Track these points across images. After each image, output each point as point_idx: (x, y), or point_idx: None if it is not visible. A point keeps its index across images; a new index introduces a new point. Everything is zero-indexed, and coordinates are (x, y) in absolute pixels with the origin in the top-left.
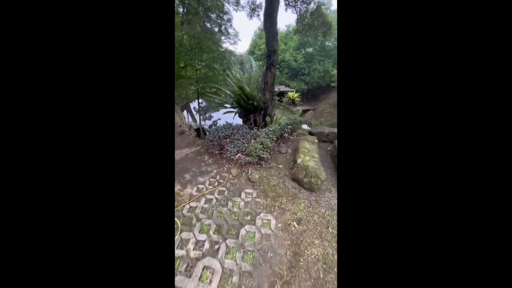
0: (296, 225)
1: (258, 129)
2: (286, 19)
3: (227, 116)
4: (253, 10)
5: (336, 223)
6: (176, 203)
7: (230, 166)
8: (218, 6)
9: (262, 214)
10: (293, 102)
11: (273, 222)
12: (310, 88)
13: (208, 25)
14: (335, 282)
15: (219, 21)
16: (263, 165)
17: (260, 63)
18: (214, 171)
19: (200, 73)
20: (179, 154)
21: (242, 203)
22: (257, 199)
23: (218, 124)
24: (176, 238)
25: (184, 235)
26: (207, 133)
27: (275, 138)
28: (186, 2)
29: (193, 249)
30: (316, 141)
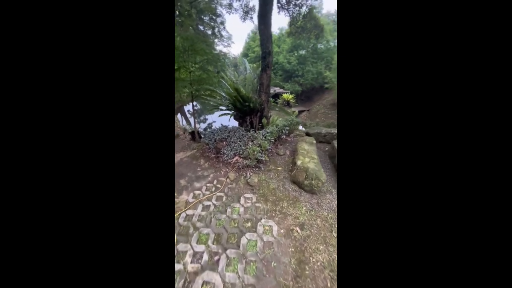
0: (299, 231)
1: (255, 131)
2: (279, 22)
3: (222, 119)
4: (246, 13)
5: None
6: None
7: (227, 170)
8: (210, 8)
9: (263, 220)
10: (288, 103)
11: (275, 228)
12: (304, 89)
13: (201, 27)
14: None
15: (212, 23)
16: (262, 168)
17: (254, 65)
18: (211, 175)
19: (194, 75)
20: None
21: (241, 209)
22: (257, 204)
23: (213, 127)
24: None
25: (181, 246)
26: (202, 136)
27: (273, 140)
28: (179, 4)
29: (191, 262)
30: (314, 142)
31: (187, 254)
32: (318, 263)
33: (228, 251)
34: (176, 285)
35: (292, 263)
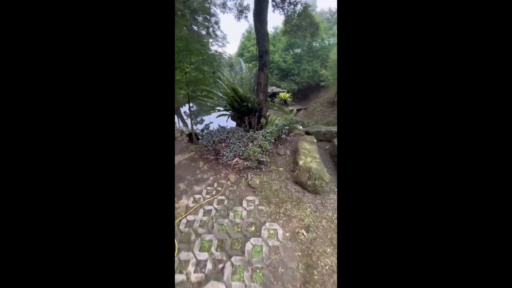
0: (305, 233)
1: (255, 131)
2: (273, 21)
3: (219, 120)
4: (240, 12)
5: None
6: None
7: (227, 171)
8: (204, 8)
9: (267, 224)
10: (285, 102)
11: (280, 231)
12: (301, 88)
13: (195, 28)
14: None
15: (206, 23)
16: (263, 169)
17: (250, 64)
18: (211, 178)
19: (189, 76)
20: None
21: (244, 213)
22: (260, 207)
23: (210, 128)
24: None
25: (183, 255)
26: (200, 138)
27: (273, 140)
28: None
29: (194, 272)
30: (315, 140)
31: (190, 263)
32: (327, 267)
33: (232, 259)
34: None
35: (299, 268)
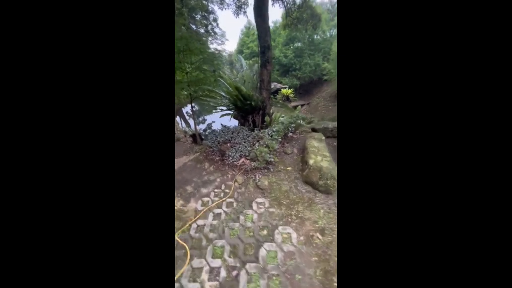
0: (319, 237)
1: (260, 130)
2: (272, 15)
3: (222, 119)
4: (239, 8)
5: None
6: (181, 222)
7: (234, 172)
8: (202, 5)
9: (280, 227)
10: (287, 98)
11: (293, 235)
12: (302, 83)
13: (194, 26)
14: None
15: (205, 21)
16: (271, 169)
17: (250, 61)
18: (218, 180)
19: (191, 76)
20: (177, 163)
21: (255, 216)
22: (271, 209)
23: (213, 128)
24: (186, 268)
25: (195, 262)
26: (203, 138)
27: (280, 139)
28: None
29: (208, 280)
30: (323, 138)
31: (203, 270)
32: None
33: (247, 266)
34: None
35: (317, 274)
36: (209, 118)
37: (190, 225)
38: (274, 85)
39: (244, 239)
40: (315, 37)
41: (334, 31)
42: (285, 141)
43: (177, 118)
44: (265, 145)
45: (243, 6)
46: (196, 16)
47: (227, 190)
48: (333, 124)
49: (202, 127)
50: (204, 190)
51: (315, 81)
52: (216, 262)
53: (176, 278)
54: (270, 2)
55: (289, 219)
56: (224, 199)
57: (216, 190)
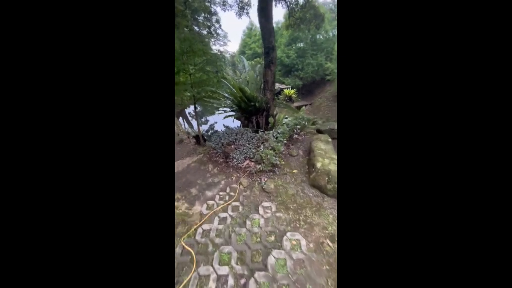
0: (330, 244)
1: (264, 132)
2: (274, 16)
3: (224, 120)
4: (241, 8)
5: None
6: (186, 226)
7: (238, 175)
8: (205, 7)
9: (288, 234)
10: (289, 99)
11: (303, 242)
12: (305, 83)
13: (196, 28)
14: None
15: (207, 23)
16: (276, 172)
17: (253, 62)
18: (222, 182)
19: (194, 77)
20: (180, 165)
21: (262, 221)
22: (278, 214)
23: (215, 128)
24: (193, 275)
25: (202, 270)
26: (206, 139)
27: (285, 141)
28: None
29: None
30: (330, 140)
31: (210, 278)
32: None
33: (256, 274)
34: None
35: (330, 284)
36: (211, 119)
37: (195, 230)
38: (276, 86)
39: (252, 245)
40: (317, 37)
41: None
42: (290, 143)
43: (180, 119)
44: (270, 148)
45: (245, 7)
46: (198, 17)
47: (232, 193)
48: None
49: (204, 128)
50: (208, 193)
51: (317, 81)
52: (224, 270)
53: (183, 285)
54: (273, 3)
55: (297, 225)
56: (229, 202)
57: (221, 193)
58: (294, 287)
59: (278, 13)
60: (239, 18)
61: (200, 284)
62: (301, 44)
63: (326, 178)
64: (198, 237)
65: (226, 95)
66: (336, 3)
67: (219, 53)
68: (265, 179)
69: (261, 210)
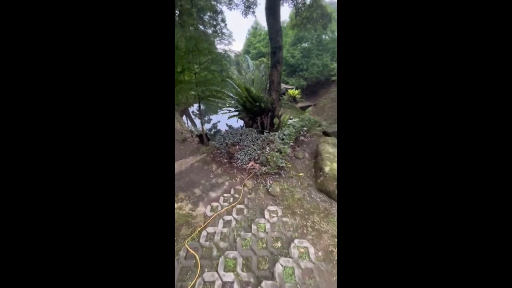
0: None
1: (269, 133)
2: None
3: (226, 118)
4: (247, 8)
5: None
6: (190, 228)
7: (243, 176)
8: (211, 6)
9: (296, 241)
10: (294, 99)
11: (311, 250)
12: (309, 83)
13: (201, 27)
14: None
15: (213, 22)
16: (282, 174)
17: (257, 62)
18: (226, 183)
19: (199, 76)
20: (183, 164)
21: (267, 225)
22: (284, 219)
23: (218, 128)
24: (197, 281)
25: (207, 276)
26: (209, 138)
27: (291, 143)
28: (179, 4)
29: None
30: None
31: (215, 285)
32: None
33: (263, 283)
34: None
35: None
36: (214, 118)
37: (199, 232)
38: (281, 86)
39: (257, 251)
40: (323, 37)
41: None
42: (296, 145)
43: (183, 118)
44: (276, 150)
45: (252, 6)
46: (204, 16)
47: (236, 195)
48: None
49: (207, 126)
50: (212, 194)
51: (322, 81)
52: (229, 276)
53: None
54: (280, 2)
55: (305, 231)
56: (234, 204)
57: (225, 195)
58: None
59: (284, 13)
60: (245, 17)
61: None
62: (307, 44)
63: (335, 183)
64: (202, 240)
65: (231, 94)
66: None
67: (224, 52)
68: (271, 182)
69: (266, 214)
